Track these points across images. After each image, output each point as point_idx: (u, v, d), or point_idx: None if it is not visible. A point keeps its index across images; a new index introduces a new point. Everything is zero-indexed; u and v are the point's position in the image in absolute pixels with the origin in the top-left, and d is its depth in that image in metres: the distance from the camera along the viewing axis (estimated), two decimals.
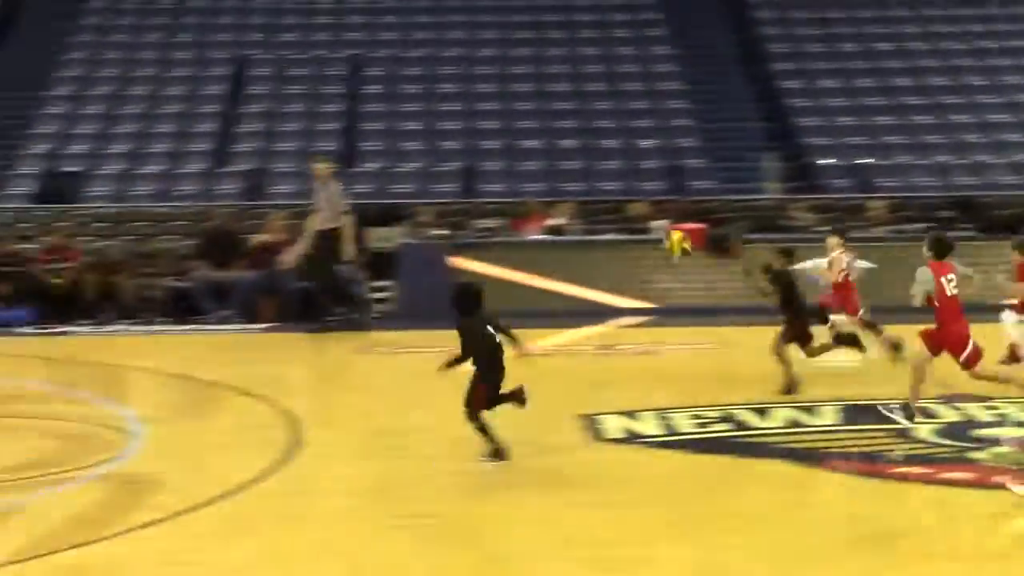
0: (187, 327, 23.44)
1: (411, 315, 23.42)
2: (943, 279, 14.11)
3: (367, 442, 14.45)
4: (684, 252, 16.57)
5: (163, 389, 18.04)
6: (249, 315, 23.43)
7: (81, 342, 22.38)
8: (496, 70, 33.17)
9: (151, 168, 29.85)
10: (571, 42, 34.30)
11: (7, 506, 11.77)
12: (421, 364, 17.49)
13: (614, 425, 14.62)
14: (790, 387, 16.07)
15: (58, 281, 24.15)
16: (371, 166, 29.92)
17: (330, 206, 22.21)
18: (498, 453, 12.80)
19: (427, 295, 23.70)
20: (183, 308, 24.10)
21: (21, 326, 23.33)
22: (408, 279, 24.40)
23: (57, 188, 28.81)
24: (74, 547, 10.46)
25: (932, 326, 14.24)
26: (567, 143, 30.67)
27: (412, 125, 31.30)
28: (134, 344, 22.06)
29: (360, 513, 11.55)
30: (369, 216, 26.32)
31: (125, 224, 26.95)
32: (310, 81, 32.84)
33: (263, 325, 23.15)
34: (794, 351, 16.50)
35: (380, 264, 24.93)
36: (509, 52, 33.84)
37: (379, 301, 24.97)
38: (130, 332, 23.20)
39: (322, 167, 22.74)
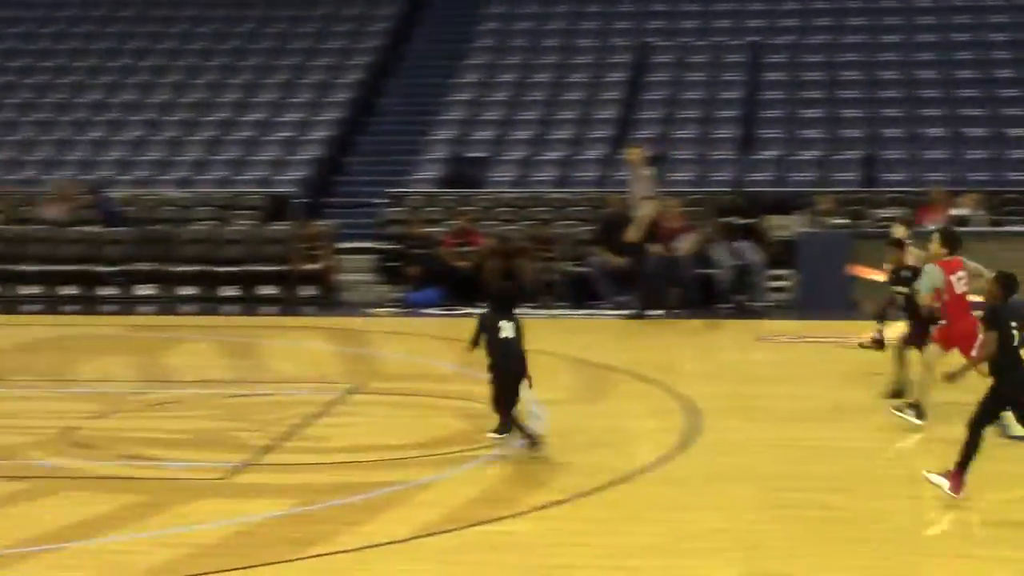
0: (585, 311, 23.78)
1: (810, 305, 23.22)
2: (953, 276, 13.87)
3: (764, 430, 14.42)
4: None
5: (562, 372, 18.33)
6: (647, 301, 23.56)
7: None
8: (899, 56, 32.51)
9: (552, 154, 30.37)
10: (978, 28, 33.34)
11: (420, 481, 12.21)
12: (817, 354, 17.40)
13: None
14: (898, 391, 15.28)
15: (464, 264, 24.80)
16: (770, 153, 29.76)
17: (642, 193, 22.51)
18: (532, 441, 13.13)
19: (827, 285, 23.47)
20: (581, 293, 24.45)
21: (430, 307, 24.06)
22: (807, 269, 24.14)
23: (462, 173, 29.58)
24: (480, 523, 10.81)
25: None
26: (973, 131, 29.84)
27: (812, 112, 30.97)
28: (533, 327, 22.32)
29: (758, 502, 11.54)
30: (767, 204, 26.23)
31: (526, 209, 27.49)
32: (710, 68, 32.84)
33: (661, 311, 23.27)
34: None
35: (778, 252, 24.77)
36: (912, 38, 33.12)
37: (777, 290, 24.85)
38: (530, 315, 23.59)
39: (634, 153, 22.95)
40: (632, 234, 22.88)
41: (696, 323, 22.44)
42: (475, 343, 13.54)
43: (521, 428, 13.30)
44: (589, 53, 33.73)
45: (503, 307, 13.75)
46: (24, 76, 34.00)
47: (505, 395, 13.38)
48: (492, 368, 13.43)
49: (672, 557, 10.05)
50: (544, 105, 32.08)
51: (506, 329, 13.43)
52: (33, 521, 11.01)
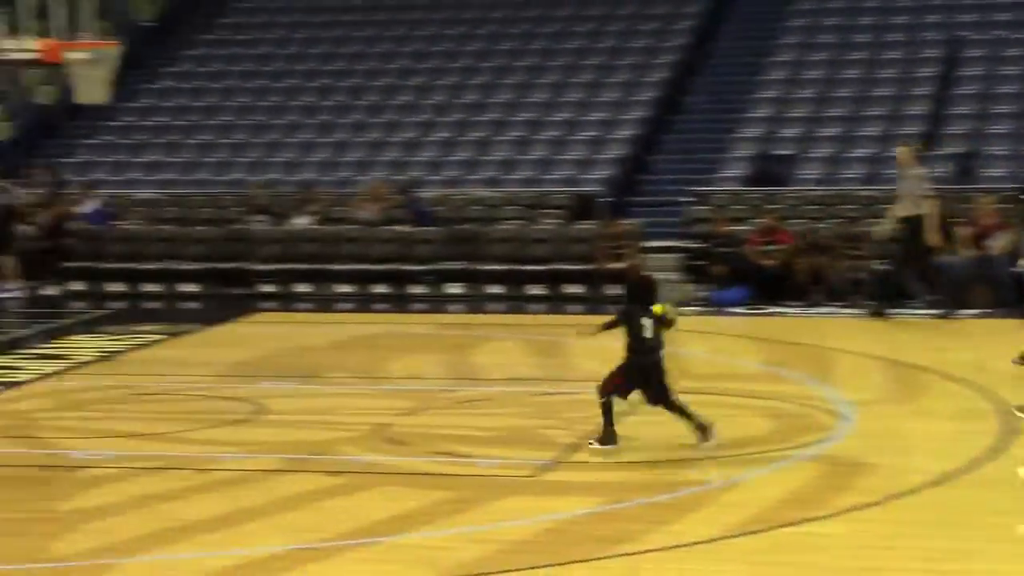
0: (894, 311, 23.32)
1: None
2: None
3: None
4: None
5: (870, 372, 18.07)
6: (959, 300, 22.98)
7: (791, 323, 22.72)
8: None
9: (861, 151, 29.92)
10: None
11: (726, 481, 12.19)
12: None
13: None
14: None
15: (770, 263, 24.61)
16: None
17: (912, 192, 21.92)
18: (609, 438, 13.11)
19: None
20: (890, 292, 23.99)
21: (736, 306, 23.93)
22: None
23: (769, 171, 29.36)
24: (788, 525, 10.73)
25: None
26: None
27: None
28: (842, 326, 22.16)
29: None
30: None
31: (833, 207, 27.12)
32: None
33: (973, 311, 22.71)
34: None
35: None
36: None
37: None
38: (838, 314, 23.33)
39: (904, 152, 22.41)
40: (934, 238, 22.29)
41: (1009, 323, 21.81)
42: (604, 328, 13.45)
43: (611, 421, 13.15)
44: (899, 48, 33.11)
45: (644, 300, 13.37)
46: (338, 79, 34.97)
47: (618, 384, 13.19)
48: (625, 360, 13.21)
49: (987, 562, 9.83)
50: (852, 101, 31.62)
51: (646, 327, 13.11)
52: (348, 515, 11.33)
